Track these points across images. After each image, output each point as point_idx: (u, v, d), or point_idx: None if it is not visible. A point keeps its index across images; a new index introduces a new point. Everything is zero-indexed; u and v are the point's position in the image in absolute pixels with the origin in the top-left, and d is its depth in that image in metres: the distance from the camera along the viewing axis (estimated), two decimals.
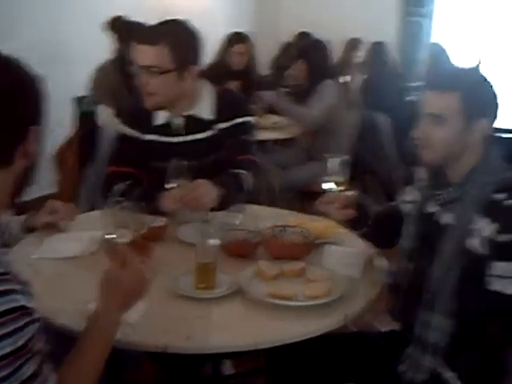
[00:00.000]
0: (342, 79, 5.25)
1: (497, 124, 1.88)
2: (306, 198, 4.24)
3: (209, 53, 3.38)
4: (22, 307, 1.13)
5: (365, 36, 6.91)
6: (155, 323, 1.71)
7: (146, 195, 2.40)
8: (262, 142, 4.28)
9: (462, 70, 1.96)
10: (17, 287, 1.14)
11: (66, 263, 2.11)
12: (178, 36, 2.46)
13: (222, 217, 2.39)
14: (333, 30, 6.42)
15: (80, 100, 4.50)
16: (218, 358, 2.41)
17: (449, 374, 1.81)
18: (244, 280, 1.92)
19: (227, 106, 2.65)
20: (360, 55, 6.88)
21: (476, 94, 1.83)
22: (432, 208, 1.95)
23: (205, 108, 2.61)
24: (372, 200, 2.26)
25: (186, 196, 2.31)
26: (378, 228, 2.21)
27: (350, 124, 4.66)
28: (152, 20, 2.62)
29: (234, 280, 1.91)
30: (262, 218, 2.45)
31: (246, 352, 1.76)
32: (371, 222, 2.20)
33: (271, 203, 2.91)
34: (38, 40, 5.15)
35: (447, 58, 5.86)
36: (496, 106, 1.86)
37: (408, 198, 2.11)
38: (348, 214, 2.14)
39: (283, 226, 2.24)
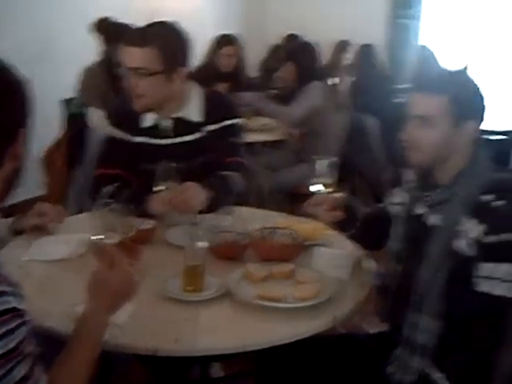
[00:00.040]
0: (330, 81, 5.26)
1: (484, 126, 1.88)
2: (295, 199, 4.24)
3: (197, 54, 3.37)
4: (14, 309, 1.13)
5: (353, 38, 6.93)
6: (143, 326, 1.71)
7: (135, 197, 2.39)
8: (251, 144, 4.27)
9: (450, 72, 1.96)
10: (8, 289, 1.14)
11: (54, 266, 2.10)
12: (166, 38, 2.45)
13: (210, 219, 2.38)
14: (321, 33, 6.44)
15: (68, 102, 4.48)
16: (206, 360, 2.41)
17: (437, 375, 1.81)
18: (232, 282, 1.92)
19: (216, 108, 2.65)
20: (348, 57, 6.90)
21: (463, 96, 1.84)
22: (420, 210, 1.95)
23: (193, 110, 2.61)
24: (360, 202, 2.26)
25: (174, 198, 2.30)
26: (367, 230, 2.22)
27: (338, 126, 4.67)
28: (140, 21, 2.61)
29: (222, 282, 1.91)
30: (251, 220, 2.45)
31: (235, 354, 1.75)
32: (359, 223, 2.20)
33: (260, 205, 2.91)
34: (25, 40, 5.12)
35: (435, 60, 5.89)
36: (483, 108, 1.87)
37: (396, 200, 2.11)
38: (336, 215, 2.15)
39: (272, 228, 2.23)
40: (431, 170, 1.91)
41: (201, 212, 2.36)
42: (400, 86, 5.92)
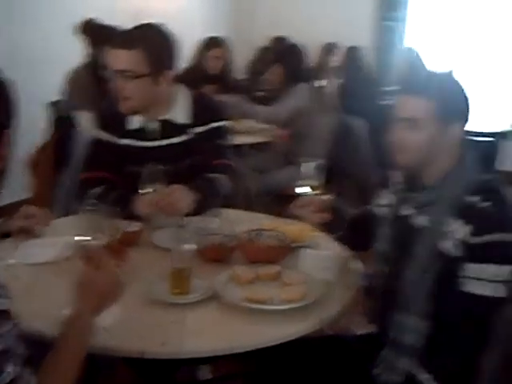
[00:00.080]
0: (317, 83, 5.27)
1: (471, 127, 1.90)
2: (282, 202, 4.23)
3: (184, 56, 3.37)
4: (4, 311, 1.13)
5: (340, 40, 6.95)
6: (130, 328, 1.70)
7: (121, 200, 2.38)
8: (238, 146, 4.27)
9: (436, 74, 1.97)
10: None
11: (40, 269, 2.09)
12: (152, 40, 2.45)
13: (197, 221, 2.38)
14: (309, 35, 6.45)
15: (55, 104, 4.46)
16: (194, 362, 2.41)
17: (424, 376, 1.81)
18: (219, 284, 1.91)
19: (203, 111, 2.65)
20: (335, 59, 6.92)
21: (450, 98, 1.85)
22: (407, 211, 1.96)
23: (180, 112, 2.61)
24: (348, 203, 2.27)
25: (161, 201, 2.30)
26: (354, 231, 2.23)
27: (325, 128, 4.67)
28: (125, 21, 2.61)
29: (209, 285, 1.91)
30: (238, 222, 2.45)
31: (223, 356, 1.75)
32: (347, 225, 2.21)
33: (247, 207, 2.92)
34: (10, 41, 5.10)
35: (421, 62, 5.91)
36: (468, 109, 1.88)
37: (383, 202, 2.12)
38: (323, 217, 2.15)
39: (259, 230, 2.23)
40: (418, 172, 1.92)
41: (187, 215, 2.36)
42: (387, 88, 5.94)
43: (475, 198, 1.77)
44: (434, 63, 6.66)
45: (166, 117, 2.58)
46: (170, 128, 2.58)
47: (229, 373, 2.68)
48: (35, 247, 2.21)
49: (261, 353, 1.71)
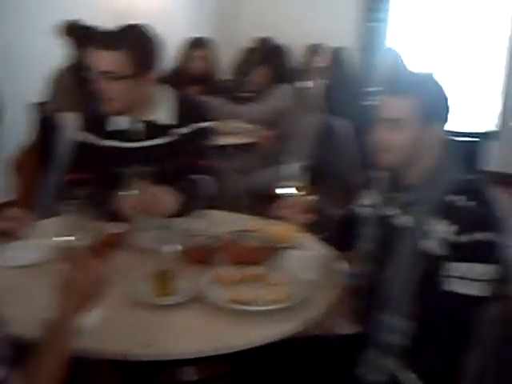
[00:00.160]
0: (301, 84, 5.27)
1: (455, 128, 1.91)
2: (267, 202, 4.23)
3: (169, 57, 3.36)
4: None
5: (325, 41, 6.95)
6: (114, 330, 1.70)
7: (105, 201, 2.37)
8: (223, 147, 4.27)
9: (418, 75, 1.98)
10: None
11: (23, 271, 2.08)
12: (136, 41, 2.44)
13: (181, 223, 2.38)
14: (293, 36, 6.45)
15: (39, 105, 4.44)
16: (178, 364, 2.40)
17: (409, 376, 1.82)
18: (203, 286, 1.91)
19: (187, 112, 2.64)
20: (320, 60, 6.91)
21: (431, 98, 1.86)
22: (390, 211, 1.97)
23: (165, 113, 2.60)
24: (332, 204, 2.27)
25: (145, 202, 2.29)
26: (339, 232, 2.23)
27: (310, 129, 4.68)
28: (110, 22, 2.59)
29: (193, 286, 1.90)
30: (222, 223, 2.45)
31: (207, 358, 1.75)
32: (331, 225, 2.22)
33: (232, 208, 2.91)
34: None
35: (403, 62, 5.93)
36: (448, 110, 1.89)
37: (367, 202, 2.13)
38: (307, 218, 2.16)
39: (243, 231, 2.24)
40: (401, 172, 1.93)
41: (172, 216, 2.35)
42: (370, 89, 5.95)
43: (459, 198, 1.79)
44: (416, 64, 6.69)
45: (151, 118, 2.57)
46: (154, 129, 2.57)
47: (214, 374, 2.67)
48: (17, 250, 2.20)
49: (246, 354, 1.71)
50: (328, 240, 2.26)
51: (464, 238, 1.75)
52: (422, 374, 1.81)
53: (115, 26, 2.49)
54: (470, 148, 5.54)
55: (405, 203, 1.92)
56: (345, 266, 2.18)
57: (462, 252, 1.75)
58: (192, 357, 1.73)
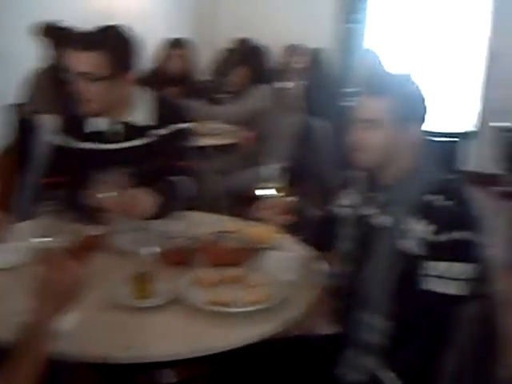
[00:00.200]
0: (280, 85, 5.28)
1: (433, 128, 1.92)
2: (246, 203, 4.23)
3: (147, 58, 3.35)
4: None
5: (303, 42, 6.96)
6: (93, 333, 1.69)
7: (83, 204, 2.36)
8: (202, 148, 4.26)
9: (395, 75, 2.00)
10: None
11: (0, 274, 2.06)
12: (114, 42, 2.43)
13: (160, 224, 2.37)
14: (271, 37, 6.45)
15: (17, 107, 4.41)
16: (157, 366, 2.39)
17: (388, 375, 1.83)
18: (182, 288, 1.91)
19: (166, 113, 2.63)
20: (299, 61, 6.93)
21: (408, 99, 1.87)
22: (369, 211, 1.98)
23: (143, 114, 2.59)
24: (311, 205, 2.27)
25: (123, 204, 2.28)
26: (318, 232, 2.24)
27: (289, 129, 4.69)
28: (88, 22, 2.58)
29: (172, 288, 1.90)
30: (202, 224, 2.44)
31: (187, 360, 1.74)
32: (310, 226, 2.22)
33: (211, 209, 2.91)
34: None
35: (380, 63, 5.96)
36: (425, 110, 1.90)
37: (346, 202, 2.14)
38: (286, 219, 2.16)
39: (222, 232, 2.23)
40: (378, 172, 1.94)
41: (150, 218, 2.34)
42: (349, 90, 5.97)
43: (437, 198, 1.80)
44: (395, 65, 6.72)
45: (129, 119, 2.56)
46: (132, 130, 2.56)
47: (193, 376, 2.67)
48: None
49: (225, 355, 1.71)
50: (307, 241, 2.26)
51: (442, 238, 1.76)
52: (401, 372, 1.82)
53: (93, 27, 2.48)
54: (447, 148, 5.59)
55: (383, 203, 1.93)
56: (324, 267, 2.18)
57: (440, 251, 1.77)
58: (171, 359, 1.72)
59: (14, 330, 1.46)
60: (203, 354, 1.70)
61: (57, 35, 4.27)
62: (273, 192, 2.20)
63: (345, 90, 5.97)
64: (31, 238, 2.13)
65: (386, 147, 1.87)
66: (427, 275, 1.78)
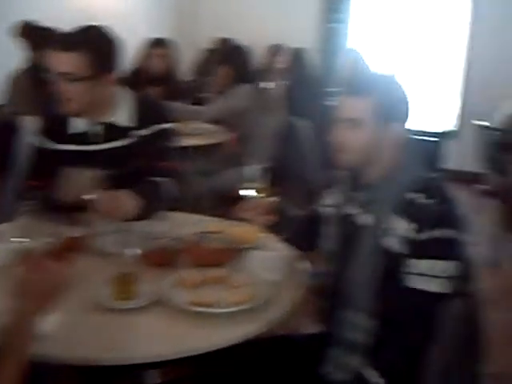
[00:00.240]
0: (262, 84, 5.28)
1: (415, 127, 1.93)
2: (228, 204, 4.22)
3: (128, 58, 3.33)
4: None
5: (286, 42, 6.97)
6: (76, 335, 1.68)
7: (64, 205, 2.34)
8: (184, 149, 4.24)
9: (377, 75, 2.00)
10: None
11: None
12: (94, 42, 2.41)
13: (143, 225, 2.36)
14: (253, 37, 6.46)
15: None
16: (142, 367, 2.38)
17: (372, 373, 1.83)
18: (165, 289, 1.90)
19: (147, 113, 2.62)
20: (281, 61, 6.93)
21: (390, 98, 1.88)
22: (352, 210, 1.98)
23: (124, 115, 2.57)
24: (294, 205, 2.27)
25: (105, 206, 2.27)
26: (301, 232, 2.24)
27: (271, 130, 4.69)
28: (68, 22, 2.56)
29: (155, 289, 1.89)
30: (184, 225, 2.43)
31: (171, 361, 1.74)
32: (293, 226, 2.22)
33: (194, 210, 2.90)
34: None
35: (363, 63, 5.98)
36: (408, 110, 1.91)
37: (329, 202, 2.14)
38: (269, 219, 2.16)
39: (205, 233, 2.23)
40: (361, 171, 1.95)
41: (132, 219, 2.33)
42: (331, 89, 5.98)
43: (419, 196, 1.81)
44: (377, 64, 6.74)
45: (110, 119, 2.55)
46: (113, 131, 2.55)
47: (178, 377, 2.66)
48: None
49: (210, 356, 1.70)
50: (290, 240, 2.26)
51: (424, 236, 1.77)
52: (384, 371, 1.82)
53: (74, 27, 2.46)
54: (429, 147, 5.60)
55: (365, 202, 1.94)
56: (308, 266, 2.18)
57: (422, 249, 1.77)
58: (154, 360, 1.72)
59: None
60: (187, 354, 1.69)
61: (35, 35, 4.24)
62: (255, 192, 2.20)
63: (327, 90, 5.98)
64: (10, 241, 2.11)
65: (369, 147, 1.88)
66: (410, 273, 1.78)
